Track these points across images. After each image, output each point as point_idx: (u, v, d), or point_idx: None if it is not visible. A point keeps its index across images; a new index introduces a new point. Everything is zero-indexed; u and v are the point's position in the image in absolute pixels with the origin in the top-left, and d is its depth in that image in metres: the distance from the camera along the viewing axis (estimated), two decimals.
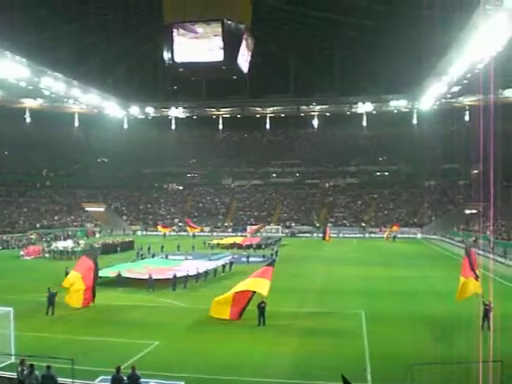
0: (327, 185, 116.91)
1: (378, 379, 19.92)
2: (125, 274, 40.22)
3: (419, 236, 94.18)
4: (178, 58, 26.98)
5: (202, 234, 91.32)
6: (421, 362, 18.43)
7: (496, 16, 52.57)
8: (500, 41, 57.45)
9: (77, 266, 33.68)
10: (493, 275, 37.08)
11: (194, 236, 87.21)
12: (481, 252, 60.63)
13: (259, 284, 29.23)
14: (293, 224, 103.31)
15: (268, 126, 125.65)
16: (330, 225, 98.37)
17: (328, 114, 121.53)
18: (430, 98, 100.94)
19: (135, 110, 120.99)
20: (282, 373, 20.77)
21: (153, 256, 58.04)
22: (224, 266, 49.13)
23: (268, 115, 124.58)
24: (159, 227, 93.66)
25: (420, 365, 17.99)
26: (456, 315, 30.15)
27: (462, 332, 26.50)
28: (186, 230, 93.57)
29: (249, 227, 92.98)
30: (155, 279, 38.87)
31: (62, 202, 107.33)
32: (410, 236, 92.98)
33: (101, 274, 39.74)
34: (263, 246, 72.12)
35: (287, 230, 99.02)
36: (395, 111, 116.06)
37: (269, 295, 28.77)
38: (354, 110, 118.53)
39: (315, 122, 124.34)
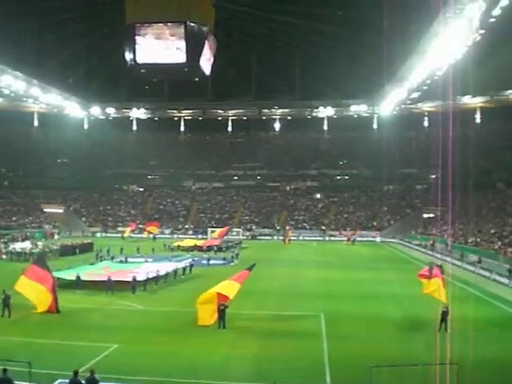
0: (288, 188, 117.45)
1: (336, 381, 20.08)
2: (83, 277, 39.72)
3: (378, 239, 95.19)
4: (140, 59, 26.81)
5: (162, 236, 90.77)
6: (379, 364, 18.63)
7: (456, 24, 53.58)
8: (459, 48, 58.52)
9: (28, 273, 32.73)
10: (450, 279, 37.68)
11: (154, 238, 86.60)
12: (438, 255, 61.72)
13: (230, 287, 29.32)
14: (254, 227, 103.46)
15: (230, 129, 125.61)
16: (288, 227, 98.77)
17: (289, 117, 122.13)
18: (390, 103, 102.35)
19: (96, 111, 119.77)
20: (242, 376, 20.76)
21: (112, 258, 57.46)
22: (184, 268, 48.90)
23: (230, 118, 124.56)
24: (128, 229, 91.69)
25: (379, 367, 18.20)
26: (414, 317, 30.68)
27: (420, 334, 26.93)
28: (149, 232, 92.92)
29: (211, 230, 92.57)
30: (114, 282, 38.49)
31: (20, 202, 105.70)
32: (369, 239, 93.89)
33: (59, 276, 39.25)
34: (224, 249, 72.02)
35: (248, 233, 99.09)
36: (356, 116, 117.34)
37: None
38: (315, 114, 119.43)
39: (277, 126, 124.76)
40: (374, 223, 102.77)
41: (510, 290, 41.69)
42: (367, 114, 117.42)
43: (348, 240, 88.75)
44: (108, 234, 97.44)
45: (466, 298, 29.51)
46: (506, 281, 44.66)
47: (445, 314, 26.98)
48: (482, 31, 53.04)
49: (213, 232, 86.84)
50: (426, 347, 22.34)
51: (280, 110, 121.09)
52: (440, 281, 28.93)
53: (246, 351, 23.95)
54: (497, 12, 48.92)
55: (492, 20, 50.52)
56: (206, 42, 27.19)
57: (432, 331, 26.15)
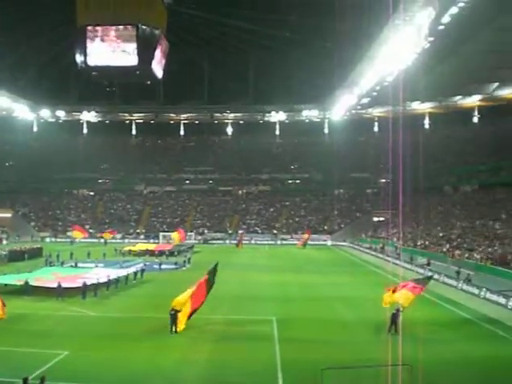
0: (240, 192, 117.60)
1: None
2: (32, 282, 38.92)
3: (329, 243, 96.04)
4: (91, 62, 26.42)
5: (113, 240, 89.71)
6: (331, 366, 18.79)
7: (405, 31, 54.45)
8: (409, 55, 59.50)
9: None
10: (400, 281, 38.25)
11: (105, 243, 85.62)
12: (388, 258, 62.62)
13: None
14: (206, 231, 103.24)
15: (182, 133, 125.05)
16: (241, 231, 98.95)
17: (242, 121, 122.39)
18: (340, 108, 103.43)
19: (46, 113, 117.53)
20: (195, 380, 20.75)
21: (62, 263, 56.58)
22: (135, 273, 48.44)
23: (182, 121, 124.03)
24: (75, 231, 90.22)
25: (330, 369, 18.35)
26: (365, 320, 31.08)
27: (371, 336, 27.30)
28: (100, 237, 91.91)
29: (162, 234, 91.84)
30: (64, 287, 37.89)
31: None
32: (321, 243, 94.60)
33: (7, 281, 38.46)
34: (176, 253, 71.59)
35: (200, 237, 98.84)
36: (307, 121, 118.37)
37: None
38: (267, 119, 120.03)
39: (229, 130, 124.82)
40: (325, 227, 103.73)
41: (458, 292, 42.56)
42: (318, 119, 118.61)
43: (302, 244, 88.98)
44: (58, 239, 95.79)
45: (416, 300, 30.02)
46: (454, 283, 45.59)
47: (395, 316, 27.40)
48: (431, 38, 53.94)
49: (170, 238, 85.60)
50: (378, 349, 22.65)
51: (232, 115, 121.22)
52: (409, 292, 29.29)
53: (198, 356, 23.88)
54: (446, 19, 49.78)
55: (441, 27, 51.38)
56: (158, 44, 26.99)
57: (383, 333, 26.56)
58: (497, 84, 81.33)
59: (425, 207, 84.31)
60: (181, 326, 28.07)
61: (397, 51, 59.45)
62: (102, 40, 26.05)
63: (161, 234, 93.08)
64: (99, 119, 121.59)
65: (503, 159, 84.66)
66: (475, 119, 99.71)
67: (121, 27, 26.12)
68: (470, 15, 48.63)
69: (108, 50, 26.10)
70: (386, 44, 60.17)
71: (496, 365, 22.67)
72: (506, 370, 22.06)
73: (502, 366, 22.49)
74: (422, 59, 58.14)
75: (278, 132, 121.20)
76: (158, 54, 27.05)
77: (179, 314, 28.14)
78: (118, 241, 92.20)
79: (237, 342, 26.30)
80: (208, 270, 32.48)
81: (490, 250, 56.53)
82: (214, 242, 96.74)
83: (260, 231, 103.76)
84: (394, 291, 29.34)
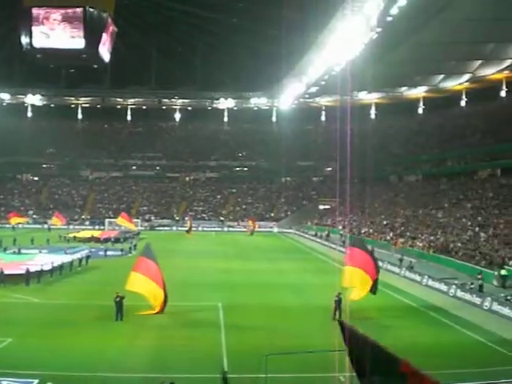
0: (187, 179, 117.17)
1: (234, 370, 20.31)
2: None
3: (275, 230, 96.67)
4: (37, 44, 25.80)
5: (57, 227, 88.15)
6: (276, 352, 18.99)
7: (354, 21, 54.98)
8: (357, 45, 60.10)
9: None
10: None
11: (49, 229, 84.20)
12: (333, 245, 63.48)
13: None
14: (152, 217, 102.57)
15: (129, 118, 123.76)
16: (188, 217, 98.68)
17: (190, 108, 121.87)
18: (289, 96, 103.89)
19: None
20: (139, 367, 20.69)
21: (4, 250, 55.43)
22: (80, 260, 47.85)
23: (129, 106, 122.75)
24: (12, 217, 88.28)
25: (275, 355, 18.54)
26: (310, 306, 31.49)
27: (316, 322, 27.68)
28: (45, 223, 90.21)
29: (108, 221, 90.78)
30: (7, 274, 37.20)
31: None
32: (267, 230, 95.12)
33: None
34: (121, 240, 70.92)
35: (146, 224, 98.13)
36: (255, 108, 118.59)
37: (126, 290, 28.59)
38: (215, 106, 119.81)
39: (177, 116, 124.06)
40: (272, 214, 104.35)
41: (400, 279, 43.47)
42: (267, 107, 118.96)
43: (250, 232, 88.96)
44: (0, 225, 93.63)
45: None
46: (397, 270, 46.54)
47: (338, 303, 27.86)
48: (380, 29, 54.59)
49: (116, 224, 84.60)
50: (322, 335, 22.97)
51: (180, 101, 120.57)
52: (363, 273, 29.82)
53: (143, 343, 23.87)
54: (394, 11, 50.44)
55: (389, 19, 52.04)
56: (106, 28, 26.57)
57: (328, 319, 26.97)
58: (442, 76, 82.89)
59: (370, 196, 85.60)
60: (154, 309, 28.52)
61: (345, 41, 59.95)
62: (48, 22, 25.54)
63: (106, 220, 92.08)
64: (44, 103, 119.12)
65: (447, 150, 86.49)
66: (420, 110, 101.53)
67: (68, 9, 25.63)
68: (417, 7, 49.46)
69: (54, 32, 25.57)
70: (334, 33, 60.66)
71: (438, 351, 23.24)
72: (448, 355, 22.62)
73: (443, 352, 23.05)
74: (369, 50, 58.77)
75: (226, 119, 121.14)
76: (105, 37, 26.61)
77: (154, 303, 28.38)
78: (63, 227, 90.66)
79: (182, 329, 26.36)
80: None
81: (432, 238, 57.81)
82: (161, 228, 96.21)
83: (207, 218, 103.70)
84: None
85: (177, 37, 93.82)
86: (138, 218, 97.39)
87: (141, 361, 21.45)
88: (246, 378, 19.08)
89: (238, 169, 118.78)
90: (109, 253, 56.49)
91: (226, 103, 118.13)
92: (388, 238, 65.94)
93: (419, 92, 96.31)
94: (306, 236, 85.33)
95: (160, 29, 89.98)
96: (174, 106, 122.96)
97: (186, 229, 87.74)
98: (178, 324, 27.42)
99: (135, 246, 61.95)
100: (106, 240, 69.91)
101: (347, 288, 29.09)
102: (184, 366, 20.41)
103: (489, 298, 32.34)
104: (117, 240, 70.53)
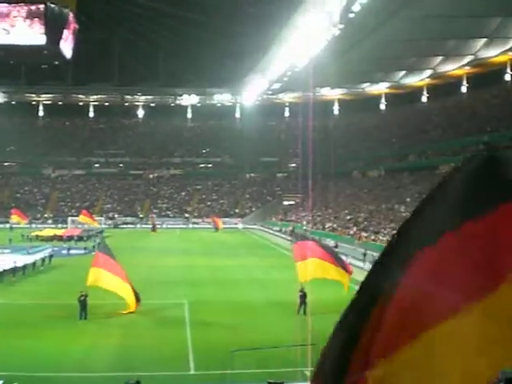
0: (151, 176, 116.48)
1: (200, 367, 20.36)
2: None
3: (240, 226, 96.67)
4: None
5: (19, 226, 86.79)
6: (241, 348, 19.08)
7: (316, 17, 55.25)
8: (320, 42, 60.40)
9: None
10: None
11: (11, 228, 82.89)
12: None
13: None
14: (116, 215, 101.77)
15: (91, 115, 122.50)
16: (152, 215, 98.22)
17: (153, 104, 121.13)
18: (252, 93, 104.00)
19: None
20: (104, 366, 20.55)
21: None
22: (43, 259, 47.28)
23: (91, 103, 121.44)
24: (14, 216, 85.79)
25: (241, 351, 18.63)
26: (275, 302, 31.64)
27: (281, 317, 27.84)
28: (7, 222, 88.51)
29: (71, 219, 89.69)
30: None
31: None
32: (232, 226, 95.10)
33: None
34: (85, 238, 70.23)
35: (110, 222, 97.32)
36: (219, 105, 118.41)
37: (91, 287, 28.32)
38: (178, 102, 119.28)
39: (140, 113, 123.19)
40: (237, 210, 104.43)
41: (364, 273, 43.57)
42: (230, 103, 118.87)
43: (216, 229, 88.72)
44: None
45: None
46: (361, 264, 46.95)
47: (302, 298, 28.06)
48: (342, 26, 54.95)
49: (79, 223, 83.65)
50: (287, 330, 23.15)
51: (143, 97, 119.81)
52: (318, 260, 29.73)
53: (108, 341, 23.68)
54: (356, 8, 50.84)
55: (351, 15, 52.44)
56: (67, 24, 26.35)
57: (292, 314, 27.16)
58: (404, 72, 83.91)
59: (333, 191, 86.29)
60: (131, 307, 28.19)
61: (307, 37, 60.21)
62: (9, 18, 25.18)
63: (69, 218, 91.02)
64: (5, 99, 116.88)
65: (409, 145, 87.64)
66: (383, 106, 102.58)
67: (29, 6, 25.34)
68: (379, 4, 49.97)
69: (15, 28, 25.26)
70: (296, 30, 60.88)
71: None
72: None
73: None
74: (332, 46, 59.20)
75: (189, 115, 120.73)
76: (66, 34, 26.40)
77: (127, 299, 28.06)
78: (26, 226, 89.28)
79: (148, 327, 26.26)
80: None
81: (395, 232, 58.53)
82: (125, 226, 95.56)
83: (172, 215, 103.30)
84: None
85: (140, 33, 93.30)
86: (101, 216, 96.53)
87: (106, 360, 21.30)
88: (212, 374, 19.15)
89: (202, 165, 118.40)
90: (72, 251, 55.94)
91: (189, 99, 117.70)
92: (351, 232, 66.56)
93: (381, 88, 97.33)
94: (271, 232, 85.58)
95: (123, 25, 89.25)
96: (137, 103, 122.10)
97: (151, 227, 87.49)
98: (143, 322, 27.30)
99: (99, 244, 61.35)
100: (69, 238, 69.10)
101: (308, 282, 29.10)
102: (150, 365, 20.34)
103: None
104: (80, 238, 69.85)
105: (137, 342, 23.47)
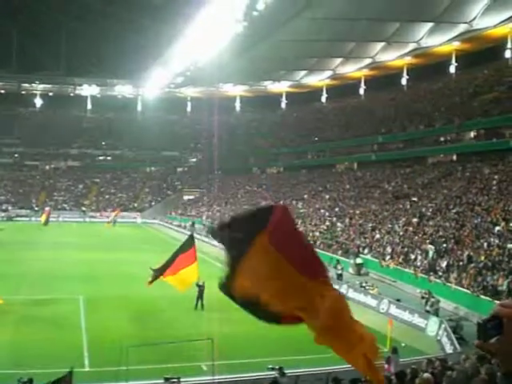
0: (48, 167, 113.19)
1: (95, 363, 20.23)
2: None
3: (139, 220, 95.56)
4: None
5: None
6: (137, 344, 19.13)
7: (220, 13, 55.49)
8: (223, 38, 60.72)
9: None
10: (207, 257, 39.48)
11: None
12: (197, 236, 63.91)
13: None
14: (9, 207, 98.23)
15: None
16: (47, 208, 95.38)
17: (51, 93, 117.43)
18: (154, 86, 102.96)
19: None
20: None
21: None
22: None
23: None
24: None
25: (136, 346, 18.68)
26: (173, 297, 31.66)
27: (178, 312, 28.00)
28: None
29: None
30: None
31: None
32: (130, 220, 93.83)
33: None
34: None
35: (3, 214, 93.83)
36: (120, 96, 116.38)
37: None
38: (78, 92, 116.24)
39: (38, 101, 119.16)
40: (136, 204, 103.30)
41: None
42: (132, 96, 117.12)
43: (109, 222, 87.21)
44: None
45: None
46: None
47: (200, 293, 28.31)
48: (246, 23, 55.45)
49: None
50: (184, 325, 23.35)
51: (42, 86, 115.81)
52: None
53: None
54: (261, 6, 51.40)
55: (255, 13, 52.97)
56: None
57: (190, 309, 27.36)
58: (305, 72, 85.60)
59: (233, 187, 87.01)
60: None
61: (211, 33, 60.38)
62: None
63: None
64: None
65: (307, 143, 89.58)
66: (283, 104, 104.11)
67: None
68: (283, 4, 50.82)
69: None
70: (200, 24, 60.89)
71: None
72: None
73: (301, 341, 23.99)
74: (235, 43, 59.65)
75: (89, 106, 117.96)
76: None
77: None
78: None
79: (41, 323, 25.73)
80: None
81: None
82: (19, 219, 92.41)
83: (68, 208, 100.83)
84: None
85: (41, 19, 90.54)
86: None
87: None
88: (106, 371, 19.09)
89: (101, 158, 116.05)
90: None
91: (89, 90, 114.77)
92: None
93: (283, 87, 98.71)
94: (171, 227, 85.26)
95: (22, 10, 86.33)
96: (35, 91, 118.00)
97: (44, 220, 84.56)
98: (37, 318, 26.69)
99: None
100: None
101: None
102: (43, 362, 20.00)
103: (345, 286, 34.12)
104: None
105: (30, 339, 22.98)
